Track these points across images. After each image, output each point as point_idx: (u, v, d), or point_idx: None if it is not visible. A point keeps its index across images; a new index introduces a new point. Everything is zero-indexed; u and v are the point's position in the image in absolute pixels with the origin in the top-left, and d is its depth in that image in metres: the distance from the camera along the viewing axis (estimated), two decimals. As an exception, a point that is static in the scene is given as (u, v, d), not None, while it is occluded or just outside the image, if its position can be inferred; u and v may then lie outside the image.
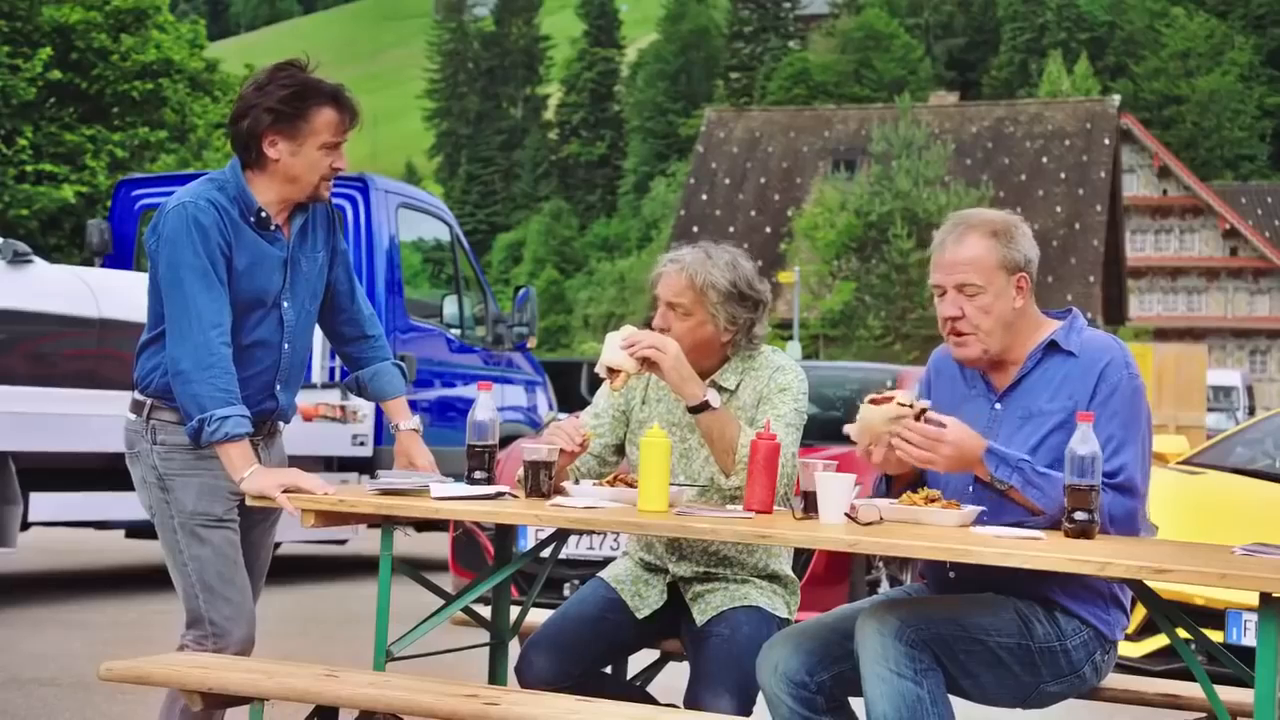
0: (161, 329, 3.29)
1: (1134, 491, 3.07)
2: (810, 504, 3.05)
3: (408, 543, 10.25)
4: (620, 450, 3.63)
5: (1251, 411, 31.03)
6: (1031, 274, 3.18)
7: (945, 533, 2.94)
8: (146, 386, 3.33)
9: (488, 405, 3.35)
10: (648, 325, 3.49)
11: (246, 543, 3.40)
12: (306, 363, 3.50)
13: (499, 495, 3.24)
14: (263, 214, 3.30)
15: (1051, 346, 3.18)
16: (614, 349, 3.37)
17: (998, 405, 3.20)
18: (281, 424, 3.49)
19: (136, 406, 3.35)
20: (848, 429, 3.10)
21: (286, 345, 3.37)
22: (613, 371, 3.37)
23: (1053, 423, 3.11)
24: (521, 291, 10.82)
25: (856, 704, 3.08)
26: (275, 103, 3.24)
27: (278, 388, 3.39)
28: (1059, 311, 3.29)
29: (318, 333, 3.62)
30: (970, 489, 3.14)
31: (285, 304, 3.35)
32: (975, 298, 3.14)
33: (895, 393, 3.08)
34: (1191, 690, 3.33)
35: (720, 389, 3.49)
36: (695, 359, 3.45)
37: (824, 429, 5.98)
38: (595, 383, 3.54)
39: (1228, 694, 3.01)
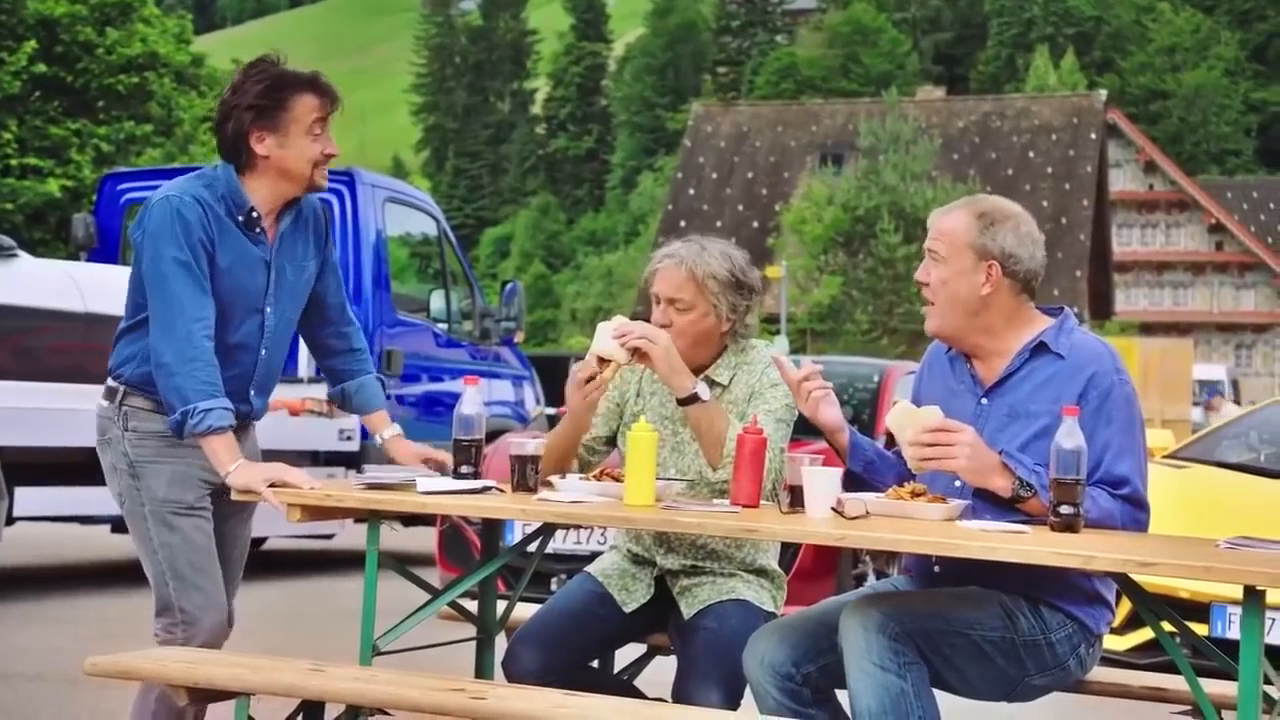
0: (139, 319, 3.30)
1: (1142, 504, 3.07)
2: (797, 498, 3.06)
3: (394, 537, 10.24)
4: (610, 441, 3.63)
5: (1237, 405, 31.10)
6: (1010, 269, 3.15)
7: (931, 527, 2.94)
8: (120, 374, 3.33)
9: (474, 400, 3.35)
10: (636, 319, 3.49)
11: (221, 534, 3.41)
12: (282, 369, 3.50)
13: (485, 490, 3.24)
14: (253, 214, 3.30)
15: (1040, 347, 3.18)
16: (605, 339, 3.37)
17: (984, 400, 3.20)
18: (254, 421, 3.49)
19: (109, 393, 3.35)
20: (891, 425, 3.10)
21: (264, 351, 3.37)
22: (603, 361, 3.37)
23: (1039, 425, 3.09)
24: (509, 286, 10.80)
25: (844, 696, 3.09)
26: (253, 99, 3.25)
27: (252, 393, 3.40)
28: (1052, 308, 3.28)
29: None
30: (957, 484, 3.14)
31: (269, 309, 3.36)
32: (936, 265, 3.18)
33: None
34: (1176, 683, 3.34)
35: (713, 383, 3.49)
36: (694, 352, 3.46)
37: (811, 423, 5.97)
38: (583, 377, 3.53)
39: (1212, 687, 3.02)
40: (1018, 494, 3.03)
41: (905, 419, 3.04)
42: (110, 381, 3.35)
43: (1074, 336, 3.19)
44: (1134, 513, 3.06)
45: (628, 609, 3.53)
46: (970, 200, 3.24)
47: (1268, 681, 2.76)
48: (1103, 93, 44.15)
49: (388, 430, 3.56)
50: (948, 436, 2.99)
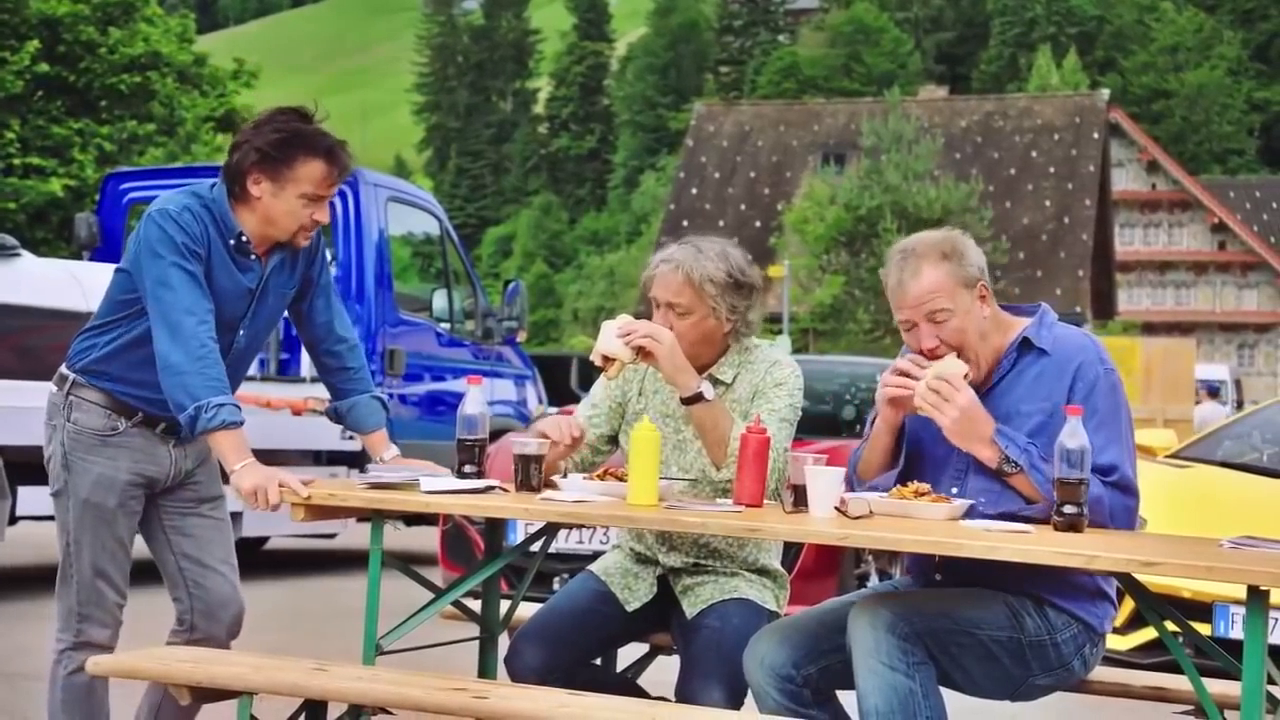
0: (110, 319, 3.33)
1: (1131, 489, 3.08)
2: (800, 497, 3.06)
3: (397, 537, 10.24)
4: (612, 441, 3.63)
5: (1239, 405, 31.10)
6: (986, 281, 3.19)
7: (934, 526, 2.94)
8: (74, 364, 3.37)
9: (477, 399, 3.35)
10: (639, 318, 3.49)
11: (188, 538, 3.42)
12: (240, 382, 3.50)
13: (488, 489, 3.24)
14: (243, 239, 3.32)
15: (1025, 345, 3.19)
16: (610, 337, 3.37)
17: (977, 403, 3.20)
18: None
19: (60, 380, 3.39)
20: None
21: (226, 367, 3.37)
22: (608, 359, 3.37)
23: (1032, 424, 3.11)
24: (511, 285, 10.80)
25: (844, 696, 3.09)
26: (264, 144, 3.27)
27: None
28: (1029, 306, 3.29)
29: None
30: (956, 488, 3.15)
31: (242, 331, 3.39)
32: (946, 323, 3.14)
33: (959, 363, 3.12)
34: (1179, 683, 3.34)
35: (717, 382, 3.49)
36: (698, 353, 3.45)
37: (814, 423, 5.99)
38: (585, 376, 3.54)
39: (1215, 687, 3.02)
40: (1002, 468, 3.07)
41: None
42: (63, 369, 3.39)
43: (1055, 330, 3.22)
44: (1123, 499, 3.07)
45: (630, 608, 3.53)
46: (914, 256, 3.15)
47: (1271, 681, 2.76)
48: (1105, 92, 44.13)
49: (387, 453, 3.56)
50: (948, 390, 3.03)
